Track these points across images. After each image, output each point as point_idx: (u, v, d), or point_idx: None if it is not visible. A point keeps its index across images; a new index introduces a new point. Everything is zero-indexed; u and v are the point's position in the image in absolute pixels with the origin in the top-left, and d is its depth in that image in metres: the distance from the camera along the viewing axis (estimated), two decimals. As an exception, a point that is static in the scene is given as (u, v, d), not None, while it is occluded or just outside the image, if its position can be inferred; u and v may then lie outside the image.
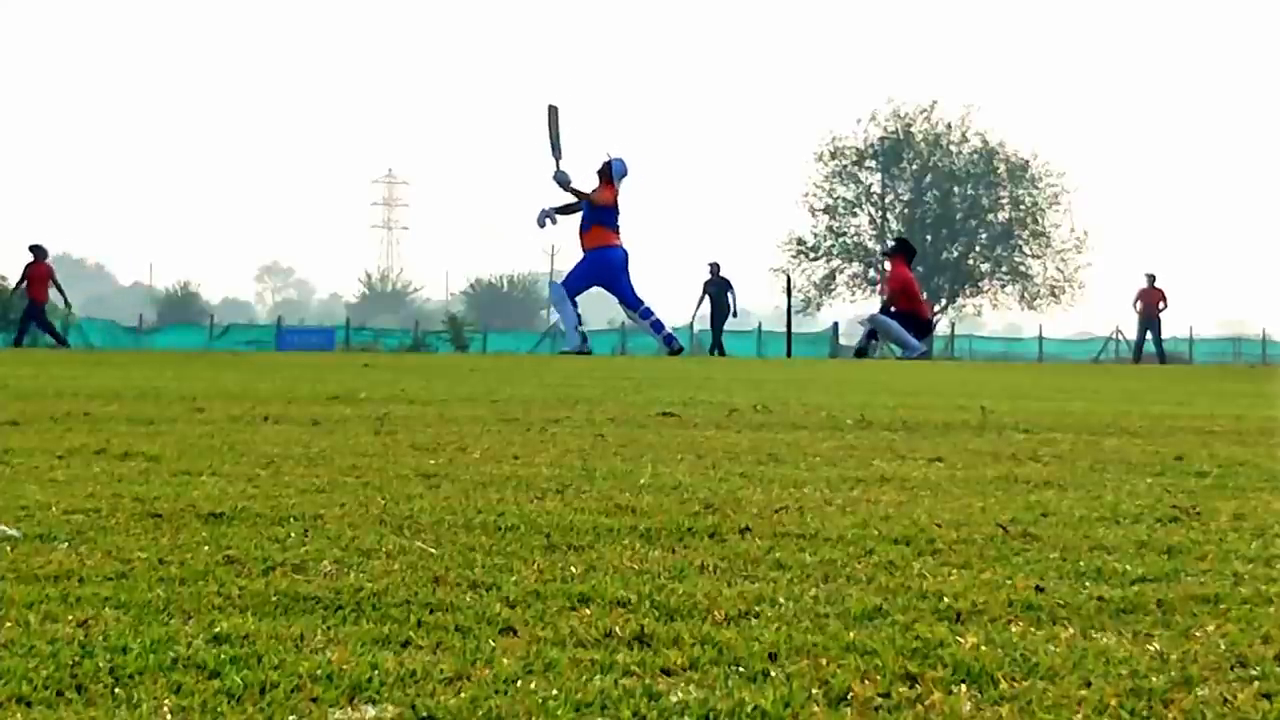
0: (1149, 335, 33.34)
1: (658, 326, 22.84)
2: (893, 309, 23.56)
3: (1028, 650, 2.48)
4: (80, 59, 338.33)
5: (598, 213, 21.99)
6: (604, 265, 22.15)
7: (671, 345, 22.97)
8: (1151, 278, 33.10)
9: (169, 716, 2.10)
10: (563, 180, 22.05)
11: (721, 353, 30.55)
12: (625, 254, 22.28)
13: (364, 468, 4.95)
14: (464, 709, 2.14)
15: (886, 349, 24.58)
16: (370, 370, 13.85)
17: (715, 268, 31.68)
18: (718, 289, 31.47)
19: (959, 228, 62.52)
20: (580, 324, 22.49)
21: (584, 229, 22.07)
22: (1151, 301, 32.95)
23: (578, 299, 22.50)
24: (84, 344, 38.93)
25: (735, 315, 31.65)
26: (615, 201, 22.12)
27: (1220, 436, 6.82)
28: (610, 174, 22.13)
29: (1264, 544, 3.59)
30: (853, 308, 64.70)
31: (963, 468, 5.24)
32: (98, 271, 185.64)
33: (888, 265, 24.64)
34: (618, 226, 22.25)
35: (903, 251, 24.50)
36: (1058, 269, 62.39)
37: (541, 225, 22.21)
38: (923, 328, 23.95)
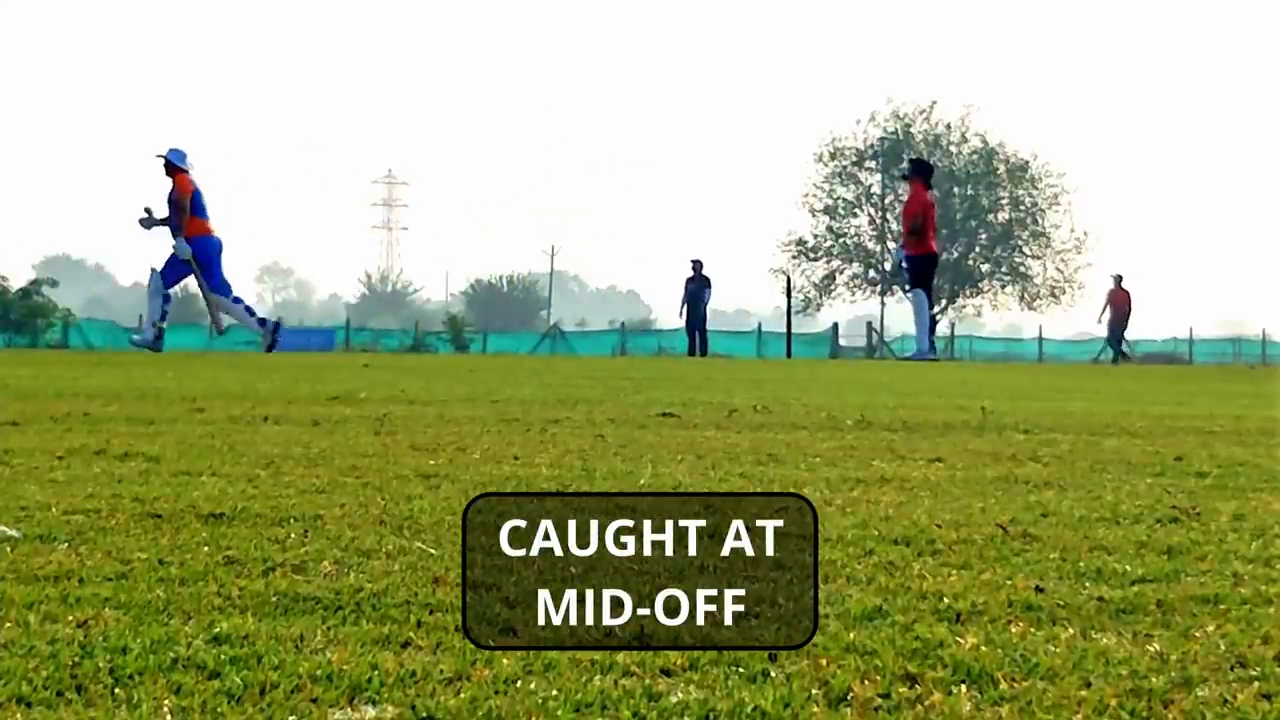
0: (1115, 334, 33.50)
1: (249, 312, 22.41)
2: (910, 256, 21.85)
3: (1028, 650, 2.48)
4: (81, 59, 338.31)
5: (190, 205, 21.79)
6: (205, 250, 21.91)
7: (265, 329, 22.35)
8: (1118, 278, 33.17)
9: (169, 717, 2.10)
10: (146, 221, 22.01)
11: (704, 352, 30.21)
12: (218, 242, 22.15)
13: (364, 468, 4.94)
14: (464, 709, 2.14)
15: (886, 349, 24.46)
16: (370, 370, 13.85)
17: (698, 265, 30.95)
18: (697, 287, 30.75)
19: (959, 228, 62.50)
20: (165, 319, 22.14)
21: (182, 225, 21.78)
22: (1119, 304, 33.01)
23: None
24: (84, 344, 38.89)
25: (704, 316, 30.97)
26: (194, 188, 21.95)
27: (1220, 436, 6.82)
28: (178, 165, 21.91)
29: (1264, 544, 3.59)
30: (853, 308, 64.73)
31: (963, 468, 5.24)
32: (98, 271, 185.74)
33: (906, 188, 22.76)
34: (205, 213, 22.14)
35: (921, 173, 22.01)
36: (1058, 269, 62.43)
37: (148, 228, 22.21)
38: (932, 263, 22.21)
